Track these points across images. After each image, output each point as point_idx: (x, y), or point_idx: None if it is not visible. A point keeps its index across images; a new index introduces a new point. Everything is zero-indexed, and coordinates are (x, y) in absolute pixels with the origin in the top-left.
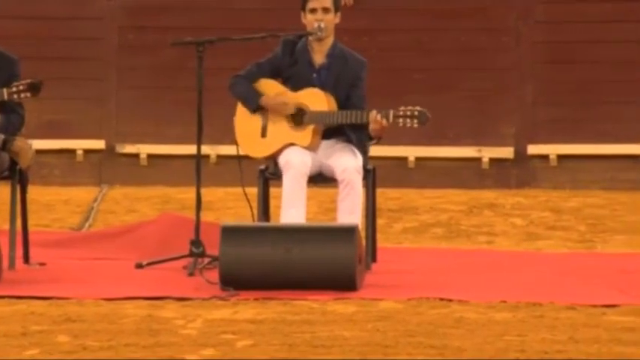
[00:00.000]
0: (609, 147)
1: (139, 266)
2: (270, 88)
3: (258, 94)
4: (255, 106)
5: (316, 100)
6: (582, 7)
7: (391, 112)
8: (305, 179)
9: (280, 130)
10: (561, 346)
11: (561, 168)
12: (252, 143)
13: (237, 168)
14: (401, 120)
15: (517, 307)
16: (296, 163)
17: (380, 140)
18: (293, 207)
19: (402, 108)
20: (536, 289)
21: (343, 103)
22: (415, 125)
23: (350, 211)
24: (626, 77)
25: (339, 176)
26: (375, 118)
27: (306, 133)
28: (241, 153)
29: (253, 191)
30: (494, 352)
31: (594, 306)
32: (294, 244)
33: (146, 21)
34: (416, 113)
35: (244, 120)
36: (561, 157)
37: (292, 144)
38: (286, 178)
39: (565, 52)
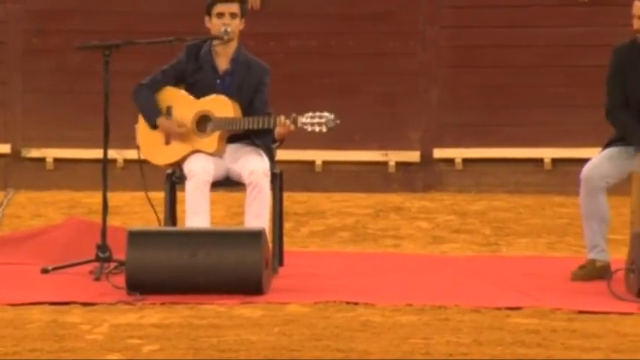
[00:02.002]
0: (514, 151)
1: (45, 271)
2: (173, 95)
3: (157, 112)
4: (153, 124)
5: (221, 106)
6: (488, 12)
7: (299, 118)
8: (207, 187)
9: (185, 137)
10: (465, 348)
11: (467, 172)
12: (156, 150)
13: (143, 173)
14: (309, 125)
15: (422, 310)
16: (198, 171)
17: (283, 143)
18: (196, 215)
19: (310, 113)
20: (441, 292)
21: (246, 109)
22: (323, 130)
23: (257, 214)
24: (531, 82)
25: (246, 179)
26: (284, 123)
27: (212, 140)
28: (144, 158)
29: (160, 196)
30: (399, 355)
31: (498, 309)
32: (201, 249)
33: (51, 25)
34: (323, 119)
35: (147, 127)
36: (467, 161)
37: (198, 151)
38: (189, 187)
39: (471, 57)
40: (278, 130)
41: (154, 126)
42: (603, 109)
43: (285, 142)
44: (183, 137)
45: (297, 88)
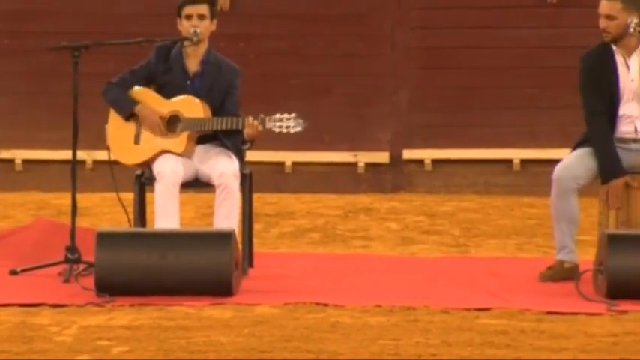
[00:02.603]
0: (483, 152)
1: (14, 272)
2: (143, 95)
3: (132, 101)
4: (129, 113)
5: (191, 106)
6: (457, 14)
7: (267, 119)
8: (176, 188)
9: (154, 137)
10: (434, 349)
11: (436, 173)
12: (125, 150)
13: (113, 174)
14: (277, 126)
15: (392, 311)
16: (167, 173)
17: (253, 144)
18: (165, 217)
19: (279, 115)
20: (410, 293)
21: (217, 110)
22: (291, 132)
23: (226, 215)
24: (500, 83)
25: (215, 181)
26: (252, 124)
27: (181, 140)
28: (114, 159)
29: (130, 197)
30: (368, 356)
31: (467, 309)
32: (170, 250)
33: (21, 26)
34: (292, 120)
35: (117, 126)
36: (436, 162)
37: (166, 151)
38: (158, 188)
39: (439, 58)
40: (247, 132)
41: (129, 116)
42: (574, 112)
43: (255, 144)
44: (153, 134)
45: (267, 89)
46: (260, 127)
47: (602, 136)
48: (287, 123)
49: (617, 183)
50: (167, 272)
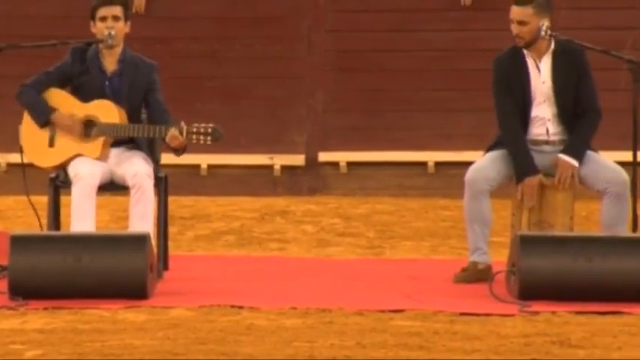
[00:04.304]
0: (398, 154)
1: None
2: (58, 98)
3: (48, 109)
4: (45, 120)
5: (107, 111)
6: (372, 17)
7: (185, 129)
8: (94, 191)
9: (69, 140)
10: (349, 351)
11: (351, 175)
12: (39, 152)
13: (27, 176)
14: (194, 136)
15: (307, 314)
16: (84, 175)
17: (184, 151)
18: (82, 219)
19: (196, 125)
20: (325, 296)
21: (138, 109)
22: (209, 142)
23: (141, 215)
24: (415, 86)
25: (129, 182)
26: (177, 136)
27: (96, 145)
28: (28, 161)
29: (44, 200)
30: (283, 358)
31: (382, 311)
32: (85, 253)
33: None
34: (209, 130)
35: (31, 128)
36: (351, 165)
37: (81, 155)
38: (75, 191)
39: (355, 61)
40: (173, 143)
41: (45, 123)
42: (488, 115)
43: (186, 150)
44: (68, 138)
45: (183, 91)
46: (181, 138)
47: (515, 137)
48: (205, 134)
49: (532, 181)
50: (82, 275)
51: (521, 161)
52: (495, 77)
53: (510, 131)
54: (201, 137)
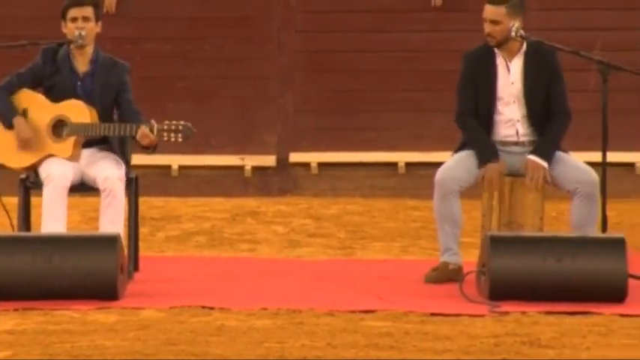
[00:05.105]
0: (369, 155)
1: None
2: (30, 99)
3: (13, 112)
4: (9, 123)
5: (78, 111)
6: (342, 17)
7: (155, 126)
8: (65, 192)
9: (40, 141)
10: (320, 351)
11: (322, 176)
12: (9, 153)
13: None
14: (165, 134)
15: (277, 314)
16: (56, 176)
17: (155, 149)
18: (53, 220)
19: (167, 122)
20: (296, 296)
21: (110, 109)
22: (180, 140)
23: (112, 220)
24: (386, 86)
25: (101, 185)
26: (146, 134)
27: (67, 145)
28: None
29: (14, 201)
30: (254, 359)
31: (352, 312)
32: (55, 254)
33: None
34: (180, 127)
35: (1, 129)
36: (322, 165)
37: (52, 155)
38: (46, 191)
39: (326, 61)
40: (143, 141)
41: (9, 125)
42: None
43: (157, 148)
44: (38, 139)
45: (154, 92)
46: (151, 135)
47: (473, 127)
48: (175, 131)
49: (493, 167)
50: (52, 276)
51: (482, 148)
52: (462, 71)
53: (468, 124)
54: (172, 134)
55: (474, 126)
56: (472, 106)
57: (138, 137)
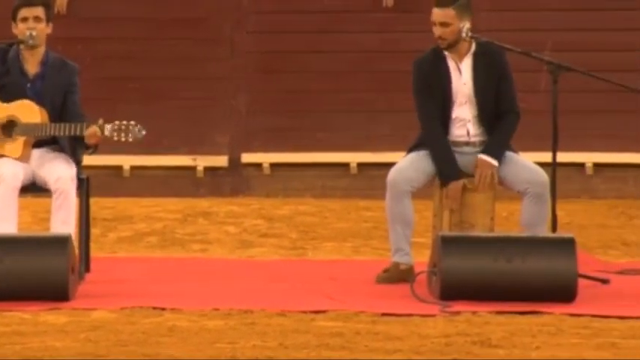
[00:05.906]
0: (321, 155)
1: None
2: None
3: None
4: None
5: (28, 111)
6: (294, 18)
7: (106, 126)
8: (16, 192)
9: None
10: (271, 352)
11: (274, 176)
12: None
13: None
14: (115, 134)
15: (229, 315)
16: (7, 176)
17: (96, 149)
18: (4, 221)
19: (117, 122)
20: (248, 297)
21: (60, 110)
22: (130, 139)
23: (63, 221)
24: (337, 87)
25: (52, 186)
26: (94, 133)
27: (17, 145)
28: None
29: None
30: (206, 359)
31: (304, 312)
32: (6, 255)
33: None
34: (130, 127)
35: None
36: (274, 166)
37: (2, 155)
38: None
39: (278, 62)
40: (90, 140)
41: None
42: (410, 116)
43: (98, 149)
44: None
45: (105, 92)
46: (99, 133)
47: (438, 140)
48: (126, 131)
49: (456, 185)
50: (2, 277)
51: (445, 165)
52: (415, 80)
53: (433, 134)
54: (123, 134)
55: (439, 138)
56: (434, 110)
57: (86, 137)
